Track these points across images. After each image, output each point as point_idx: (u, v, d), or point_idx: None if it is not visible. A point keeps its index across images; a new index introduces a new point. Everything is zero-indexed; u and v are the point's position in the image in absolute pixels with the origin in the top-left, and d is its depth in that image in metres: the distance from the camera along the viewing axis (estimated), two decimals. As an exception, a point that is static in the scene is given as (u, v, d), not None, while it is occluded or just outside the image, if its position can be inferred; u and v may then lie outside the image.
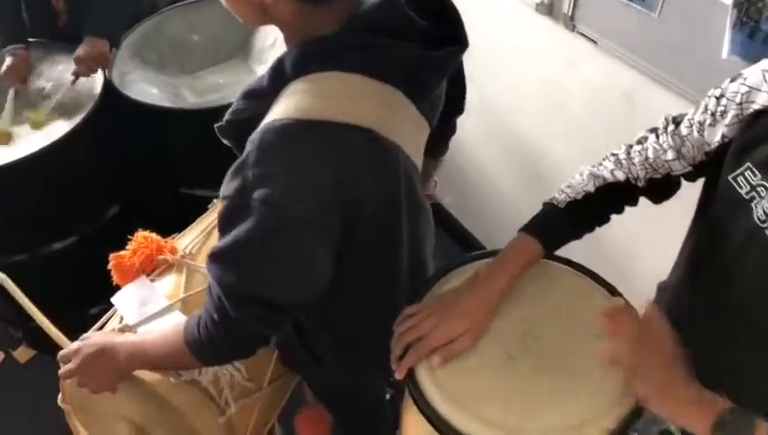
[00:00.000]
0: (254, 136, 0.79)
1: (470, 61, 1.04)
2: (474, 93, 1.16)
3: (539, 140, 1.83)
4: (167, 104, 1.85)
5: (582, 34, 1.50)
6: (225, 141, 0.92)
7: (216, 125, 0.91)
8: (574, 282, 0.98)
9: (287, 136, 0.77)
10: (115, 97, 1.85)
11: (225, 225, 0.83)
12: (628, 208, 0.99)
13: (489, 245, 2.18)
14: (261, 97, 0.84)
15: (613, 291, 0.96)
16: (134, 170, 1.99)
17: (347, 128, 0.79)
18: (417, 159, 0.93)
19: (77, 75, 1.86)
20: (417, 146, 0.92)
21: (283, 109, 0.79)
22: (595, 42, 1.48)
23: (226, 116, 0.89)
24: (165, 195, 2.02)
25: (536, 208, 1.00)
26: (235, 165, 0.80)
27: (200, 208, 1.51)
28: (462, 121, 1.23)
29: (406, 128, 0.86)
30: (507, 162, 2.00)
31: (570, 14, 1.50)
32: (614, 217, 1.00)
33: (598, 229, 1.00)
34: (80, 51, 1.85)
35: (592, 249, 1.35)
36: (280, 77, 0.81)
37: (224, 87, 1.97)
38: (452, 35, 0.86)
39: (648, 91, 1.40)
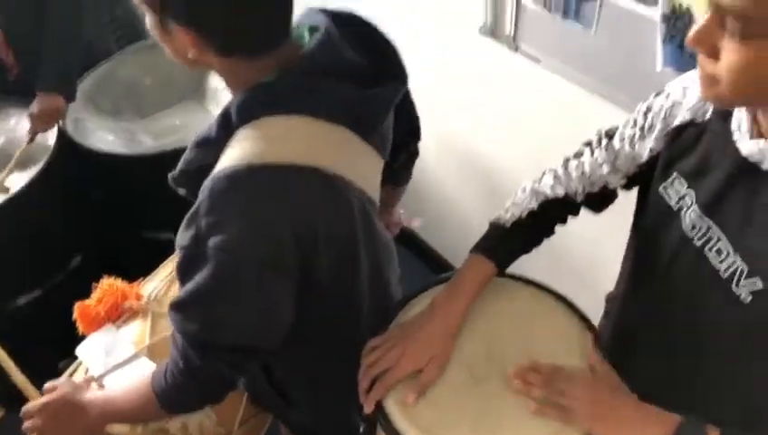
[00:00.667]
0: (206, 184, 0.80)
1: (420, 86, 1.07)
2: (426, 118, 1.19)
3: (494, 156, 1.87)
4: (123, 150, 1.85)
5: (525, 54, 1.55)
6: (179, 191, 0.92)
7: (169, 175, 0.92)
8: (532, 299, 1.00)
9: (237, 182, 0.79)
10: (70, 146, 1.84)
11: (183, 274, 0.84)
12: (584, 215, 1.03)
13: (457, 262, 2.21)
14: (211, 145, 0.85)
15: (571, 306, 0.99)
16: (95, 218, 1.98)
17: (295, 169, 0.80)
18: (373, 191, 0.95)
19: (34, 133, 1.84)
20: (370, 179, 0.94)
21: (231, 156, 0.80)
22: (538, 60, 1.53)
23: (179, 166, 0.90)
24: (128, 240, 2.01)
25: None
26: (188, 215, 0.81)
27: (165, 251, 1.51)
28: (420, 146, 1.26)
29: (356, 163, 0.88)
30: (467, 180, 2.04)
31: (512, 35, 1.55)
32: (573, 225, 1.04)
33: (558, 237, 1.04)
34: (33, 108, 1.81)
35: (554, 258, 1.38)
36: (227, 125, 0.83)
37: (180, 128, 1.97)
38: (392, 71, 0.89)
39: (593, 104, 1.45)
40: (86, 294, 1.34)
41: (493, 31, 1.60)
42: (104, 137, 1.91)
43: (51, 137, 1.85)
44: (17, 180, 1.78)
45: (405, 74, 0.90)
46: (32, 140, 1.84)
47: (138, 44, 2.20)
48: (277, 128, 0.81)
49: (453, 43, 1.76)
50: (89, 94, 2.02)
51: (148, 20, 0.82)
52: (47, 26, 1.83)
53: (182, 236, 0.82)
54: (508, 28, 1.55)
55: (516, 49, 1.56)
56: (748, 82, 0.62)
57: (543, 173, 1.04)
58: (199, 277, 0.80)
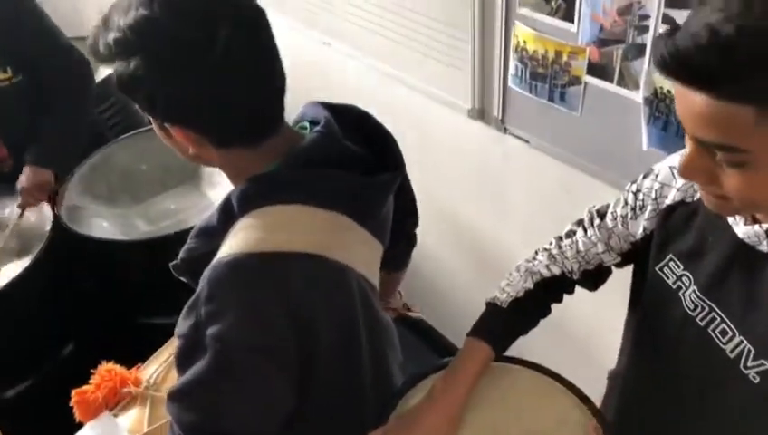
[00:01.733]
0: (206, 273, 0.81)
1: (411, 167, 1.10)
2: (418, 197, 1.21)
3: (488, 234, 1.90)
4: (119, 236, 1.85)
5: (514, 135, 1.60)
6: (181, 278, 0.93)
7: (171, 264, 0.92)
8: (533, 382, 0.99)
9: (236, 271, 0.79)
10: (65, 234, 1.84)
11: (181, 363, 0.83)
12: (579, 291, 1.03)
13: (459, 343, 2.20)
14: (212, 235, 0.86)
15: (572, 387, 0.98)
16: (88, 305, 1.96)
17: (294, 256, 0.81)
18: (373, 276, 0.96)
19: (23, 207, 1.85)
20: (370, 264, 0.95)
21: (231, 245, 0.81)
22: (527, 141, 1.57)
23: (181, 255, 0.91)
24: (122, 326, 1.98)
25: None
26: (188, 303, 0.82)
27: (160, 337, 1.49)
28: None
29: (355, 249, 0.89)
30: (462, 258, 2.05)
31: (500, 117, 1.60)
32: (569, 300, 1.04)
33: (554, 311, 1.04)
34: (22, 180, 1.84)
35: (550, 331, 1.37)
36: (228, 215, 0.84)
37: (176, 212, 1.99)
38: (389, 160, 0.92)
39: (582, 182, 1.49)
40: (80, 382, 1.32)
41: (481, 114, 1.66)
42: (99, 224, 1.92)
43: (46, 223, 1.86)
44: (11, 268, 1.77)
45: (402, 163, 0.93)
46: (21, 214, 1.85)
47: (133, 131, 2.25)
48: (277, 216, 0.82)
49: (443, 126, 1.82)
50: (85, 182, 2.04)
51: (152, 121, 0.85)
52: (47, 115, 1.87)
53: (182, 325, 0.82)
54: (496, 111, 1.60)
55: (505, 130, 1.61)
56: (762, 197, 0.61)
57: (537, 252, 1.05)
58: (198, 366, 0.80)
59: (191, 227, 1.78)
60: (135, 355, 1.45)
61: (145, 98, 0.79)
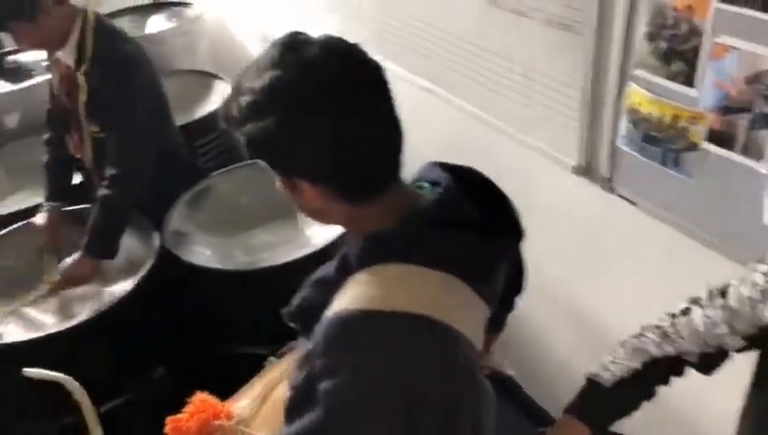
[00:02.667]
0: (321, 327, 0.82)
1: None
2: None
3: (586, 299, 1.83)
4: (217, 265, 1.92)
5: (620, 195, 1.56)
6: (291, 325, 0.95)
7: (283, 310, 0.95)
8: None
9: (351, 328, 0.80)
10: (168, 257, 1.93)
11: (291, 413, 0.84)
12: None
13: (553, 410, 2.12)
14: (327, 286, 0.88)
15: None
16: (183, 330, 2.03)
17: (407, 317, 0.81)
18: (477, 340, 0.95)
19: (59, 289, 1.94)
20: (476, 328, 0.94)
21: (347, 299, 0.83)
22: (634, 203, 1.53)
23: (294, 301, 0.93)
24: (213, 353, 2.04)
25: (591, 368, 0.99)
26: (303, 355, 0.83)
27: (249, 367, 1.52)
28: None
29: (465, 313, 0.89)
30: (559, 323, 1.99)
31: (607, 176, 1.57)
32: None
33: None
34: (70, 268, 1.93)
35: (653, 408, 1.31)
36: (345, 268, 0.86)
37: (273, 246, 2.05)
38: (508, 226, 0.91)
39: (692, 249, 1.42)
40: (169, 404, 1.35)
41: (586, 171, 1.63)
42: (200, 251, 2.00)
43: (152, 247, 1.96)
44: (118, 287, 1.88)
45: (521, 230, 0.92)
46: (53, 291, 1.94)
47: (235, 165, 2.35)
48: (394, 275, 0.83)
49: (545, 180, 1.79)
50: (189, 209, 2.15)
51: (277, 181, 0.88)
52: (100, 197, 1.93)
53: (295, 376, 0.83)
54: (603, 169, 1.57)
55: (611, 190, 1.57)
56: None
57: (644, 329, 1.01)
58: (307, 418, 0.81)
59: (286, 263, 1.85)
60: (223, 383, 1.49)
61: (278, 156, 0.83)
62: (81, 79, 1.92)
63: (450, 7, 1.87)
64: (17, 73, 3.04)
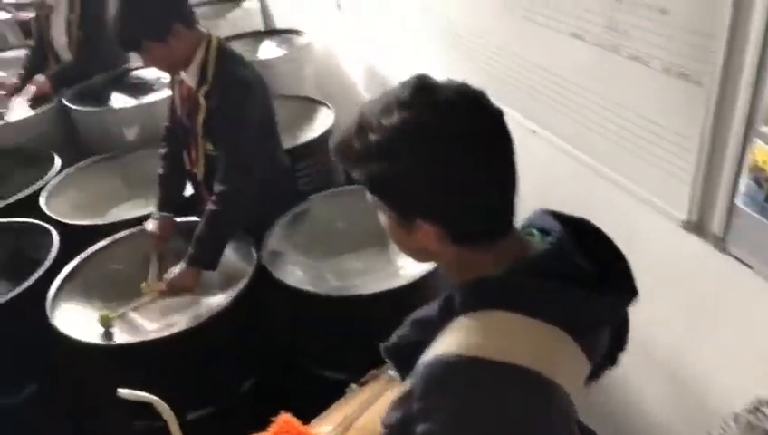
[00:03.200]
0: (421, 369, 0.82)
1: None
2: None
3: (690, 362, 1.73)
4: (309, 288, 1.96)
5: (735, 256, 1.47)
6: (387, 360, 0.95)
7: (381, 345, 0.95)
8: None
9: (453, 373, 0.80)
10: (264, 275, 1.99)
11: (383, 452, 0.84)
12: None
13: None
14: (427, 326, 0.88)
15: None
16: (271, 347, 2.08)
17: (509, 367, 0.80)
18: (576, 394, 0.92)
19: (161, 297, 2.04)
20: (576, 383, 0.91)
21: (448, 343, 0.82)
22: (750, 266, 1.44)
23: (393, 338, 0.94)
24: (297, 374, 2.08)
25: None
26: (400, 394, 0.83)
27: (331, 391, 1.54)
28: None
29: (567, 367, 0.86)
30: (658, 388, 1.88)
31: (721, 235, 1.48)
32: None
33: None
34: (173, 271, 2.04)
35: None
36: (448, 311, 0.86)
37: (364, 272, 2.08)
38: (620, 283, 0.88)
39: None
40: (252, 421, 1.38)
41: (698, 228, 1.55)
42: (294, 271, 2.05)
43: (249, 264, 2.03)
44: (216, 300, 1.95)
45: (634, 289, 0.89)
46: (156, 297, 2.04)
47: (333, 189, 2.41)
48: (498, 323, 0.82)
49: (651, 234, 1.72)
50: (287, 229, 2.21)
51: (384, 216, 0.89)
52: (207, 212, 2.02)
53: (390, 415, 0.83)
54: (717, 227, 1.49)
55: (725, 250, 1.48)
56: None
57: (761, 403, 0.94)
58: (400, 458, 0.81)
59: (377, 293, 1.86)
60: (304, 404, 1.50)
61: (403, 195, 0.84)
62: (201, 99, 2.03)
63: (563, 52, 1.85)
64: (140, 89, 3.27)
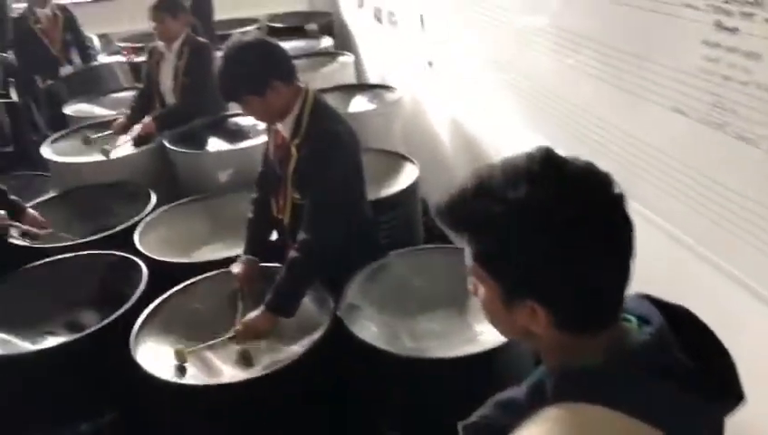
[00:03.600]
0: None
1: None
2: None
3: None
4: (384, 346, 1.93)
5: None
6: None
7: (460, 424, 0.92)
8: None
9: None
10: (340, 327, 1.99)
11: None
12: None
13: None
14: (513, 410, 0.84)
15: None
16: (342, 400, 2.06)
17: None
18: None
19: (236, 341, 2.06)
20: None
21: (537, 433, 0.78)
22: None
23: (473, 418, 0.90)
24: (367, 431, 2.04)
25: None
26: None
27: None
28: None
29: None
30: None
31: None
32: None
33: None
34: (250, 317, 2.05)
35: None
36: (539, 397, 0.82)
37: (440, 335, 2.04)
38: (722, 384, 0.82)
39: None
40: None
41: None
42: (369, 327, 2.04)
43: (325, 315, 2.04)
44: (292, 348, 1.96)
45: (741, 394, 0.82)
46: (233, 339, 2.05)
47: (412, 247, 2.40)
48: (593, 419, 0.77)
49: (751, 322, 1.60)
50: (363, 284, 2.21)
51: (485, 288, 0.85)
52: (289, 259, 2.06)
53: None
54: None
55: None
56: None
57: None
58: None
59: (454, 357, 1.82)
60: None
61: (515, 272, 0.80)
62: (293, 149, 2.10)
63: (664, 126, 1.79)
64: (236, 134, 3.42)
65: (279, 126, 2.16)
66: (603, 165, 0.84)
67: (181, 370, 1.97)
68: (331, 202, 2.07)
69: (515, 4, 2.41)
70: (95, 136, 3.49)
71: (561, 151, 0.83)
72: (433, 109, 3.66)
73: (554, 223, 0.77)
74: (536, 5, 2.26)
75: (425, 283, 2.26)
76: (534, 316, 0.81)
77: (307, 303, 2.11)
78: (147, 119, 3.39)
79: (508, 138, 2.66)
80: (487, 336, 1.93)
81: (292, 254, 2.06)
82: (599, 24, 1.90)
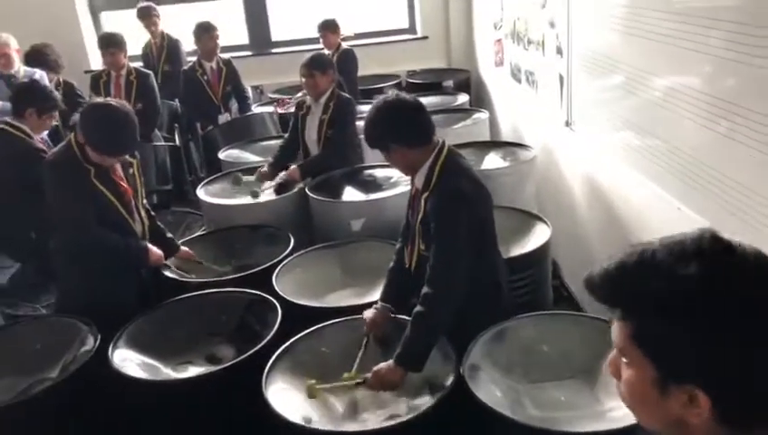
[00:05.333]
0: None
1: None
2: None
3: None
4: (508, 412, 1.88)
5: None
6: None
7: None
8: None
9: None
10: (460, 387, 1.96)
11: None
12: None
13: None
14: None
15: None
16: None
17: None
18: None
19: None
20: None
21: None
22: None
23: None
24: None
25: None
26: None
27: None
28: None
29: None
30: None
31: None
32: None
33: None
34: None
35: None
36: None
37: (565, 407, 1.96)
38: None
39: None
40: None
41: None
42: (494, 391, 2.00)
43: (451, 372, 2.03)
44: (413, 403, 1.96)
45: None
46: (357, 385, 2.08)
47: (542, 311, 2.34)
48: None
49: None
50: (489, 346, 2.17)
51: (634, 374, 0.81)
52: (414, 313, 2.09)
53: None
54: None
55: None
56: None
57: None
58: None
59: (582, 432, 1.73)
60: None
61: (678, 356, 0.77)
62: (422, 201, 2.19)
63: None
64: (370, 185, 3.55)
65: (416, 178, 2.25)
66: (752, 239, 0.79)
67: (307, 421, 1.99)
68: (451, 257, 2.10)
69: (660, 68, 2.34)
70: (244, 179, 3.77)
71: (709, 223, 0.80)
72: (568, 169, 3.59)
73: (728, 306, 0.73)
74: (682, 68, 2.18)
75: (553, 349, 2.19)
76: (693, 405, 0.76)
77: (434, 359, 2.11)
78: (292, 166, 3.62)
79: (647, 204, 2.55)
80: (617, 413, 1.83)
81: (417, 308, 2.09)
82: (754, 90, 1.80)
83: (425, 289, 2.11)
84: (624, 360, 0.83)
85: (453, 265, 2.10)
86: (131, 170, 2.76)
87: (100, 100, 2.69)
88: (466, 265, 2.12)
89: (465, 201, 2.12)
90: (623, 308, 0.81)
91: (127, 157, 2.71)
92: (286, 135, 3.93)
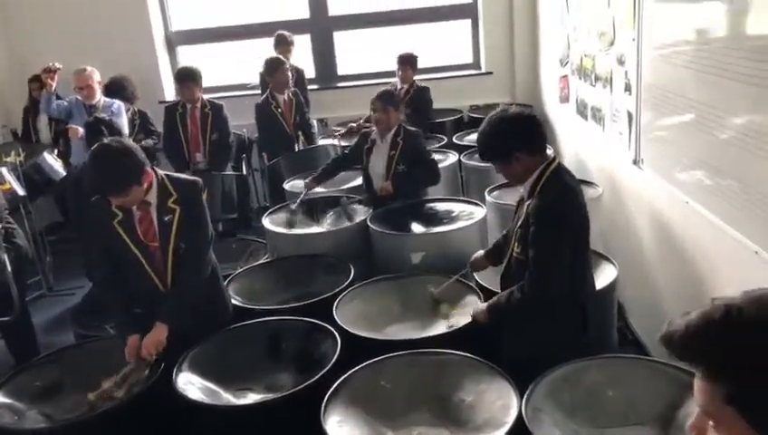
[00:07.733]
0: None
1: None
2: None
3: None
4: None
5: None
6: None
7: None
8: None
9: None
10: (521, 429, 1.92)
11: None
12: None
13: None
14: None
15: None
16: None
17: None
18: None
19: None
20: None
21: None
22: None
23: None
24: None
25: None
26: None
27: None
28: None
29: None
30: None
31: None
32: None
33: None
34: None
35: None
36: None
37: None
38: None
39: None
40: None
41: None
42: (553, 433, 1.94)
43: (512, 413, 1.98)
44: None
45: None
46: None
47: (612, 354, 2.26)
48: None
49: None
50: (552, 387, 2.11)
51: (727, 426, 0.78)
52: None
53: None
54: None
55: None
56: None
57: None
58: None
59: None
60: None
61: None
62: (524, 209, 2.32)
63: None
64: (431, 219, 3.55)
65: (521, 188, 2.40)
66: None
67: None
68: (542, 260, 2.22)
69: (734, 106, 2.26)
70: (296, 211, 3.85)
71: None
72: (636, 208, 3.49)
73: None
74: (757, 107, 2.10)
75: (619, 395, 2.11)
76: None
77: (493, 397, 2.07)
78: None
79: (719, 246, 2.45)
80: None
81: (515, 294, 2.29)
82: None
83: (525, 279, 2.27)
84: (711, 423, 0.79)
85: (545, 270, 2.22)
86: (167, 218, 2.53)
87: (106, 141, 2.47)
88: (566, 265, 2.23)
89: (554, 210, 2.23)
90: (709, 368, 0.77)
91: (171, 203, 2.54)
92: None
